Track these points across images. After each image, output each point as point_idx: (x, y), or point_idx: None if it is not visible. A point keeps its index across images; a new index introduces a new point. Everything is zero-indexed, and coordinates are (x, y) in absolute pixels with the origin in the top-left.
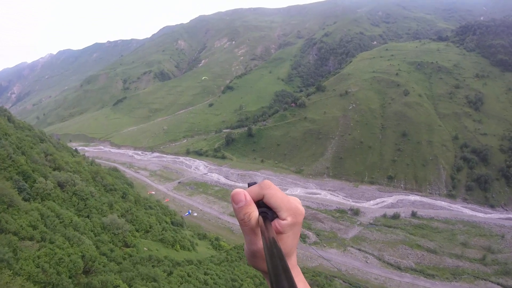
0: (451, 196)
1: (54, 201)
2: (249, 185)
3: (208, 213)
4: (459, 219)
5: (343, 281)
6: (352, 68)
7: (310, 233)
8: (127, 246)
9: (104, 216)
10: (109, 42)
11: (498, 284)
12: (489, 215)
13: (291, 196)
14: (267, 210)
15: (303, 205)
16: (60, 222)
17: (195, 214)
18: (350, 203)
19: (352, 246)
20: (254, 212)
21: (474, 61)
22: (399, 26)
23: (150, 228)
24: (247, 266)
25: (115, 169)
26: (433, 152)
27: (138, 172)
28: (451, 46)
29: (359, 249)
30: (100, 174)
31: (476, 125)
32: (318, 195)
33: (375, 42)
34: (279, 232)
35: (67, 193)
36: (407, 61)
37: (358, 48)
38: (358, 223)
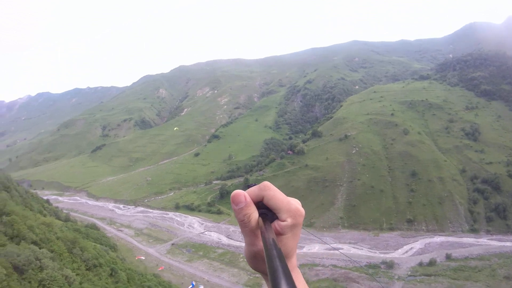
0: (474, 231)
1: None
2: (249, 186)
3: (218, 284)
4: (491, 253)
5: None
6: (345, 112)
7: None
8: None
9: None
10: (89, 88)
11: None
12: None
13: (292, 198)
14: (267, 211)
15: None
16: None
17: (202, 287)
18: (378, 255)
19: None
20: (254, 213)
21: (460, 94)
22: (376, 70)
23: None
24: None
25: (94, 226)
26: (446, 188)
27: (121, 231)
28: (434, 84)
29: None
30: (78, 244)
31: (479, 155)
32: (340, 250)
33: (357, 87)
34: (279, 234)
35: (30, 282)
36: (398, 101)
37: (342, 92)
38: (396, 277)
